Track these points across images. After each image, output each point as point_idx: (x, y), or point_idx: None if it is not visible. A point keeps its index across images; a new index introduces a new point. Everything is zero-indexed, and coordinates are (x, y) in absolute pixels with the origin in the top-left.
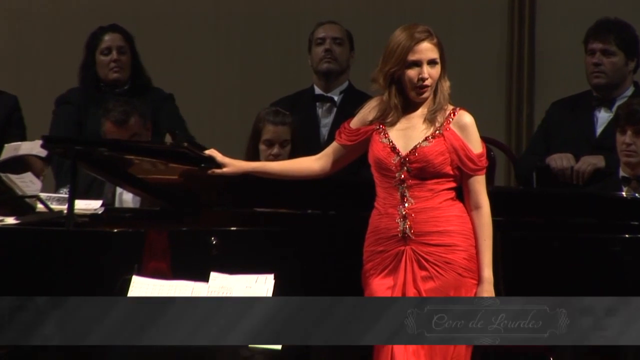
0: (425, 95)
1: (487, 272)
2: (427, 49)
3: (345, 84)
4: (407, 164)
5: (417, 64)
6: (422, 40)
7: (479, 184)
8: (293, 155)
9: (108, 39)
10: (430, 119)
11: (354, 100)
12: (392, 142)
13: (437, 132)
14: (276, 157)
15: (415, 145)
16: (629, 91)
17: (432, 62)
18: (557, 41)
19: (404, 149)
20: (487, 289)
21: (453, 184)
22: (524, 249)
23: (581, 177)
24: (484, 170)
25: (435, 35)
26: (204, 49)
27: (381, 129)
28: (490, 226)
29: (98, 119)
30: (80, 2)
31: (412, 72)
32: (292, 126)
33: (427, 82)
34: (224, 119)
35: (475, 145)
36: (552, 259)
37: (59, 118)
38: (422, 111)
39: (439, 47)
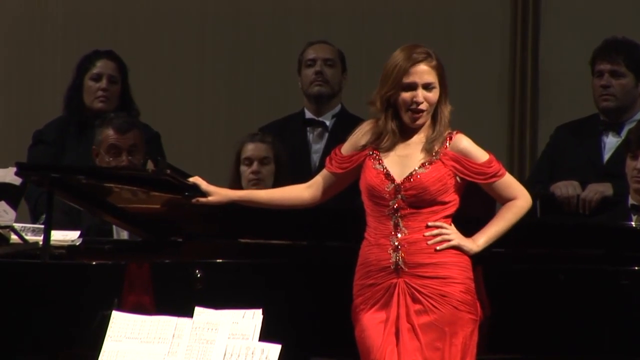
0: (419, 121)
1: (481, 239)
2: (422, 72)
3: (338, 108)
4: (402, 192)
5: (412, 86)
6: (419, 62)
7: (505, 186)
8: (281, 182)
9: (100, 65)
10: (428, 148)
11: (346, 125)
12: (386, 168)
13: (434, 157)
14: (256, 176)
15: (411, 172)
16: (639, 115)
17: (428, 86)
18: (562, 61)
19: (398, 176)
20: (466, 244)
21: (449, 212)
22: (528, 283)
23: (588, 206)
24: (504, 172)
25: (435, 57)
26: (189, 71)
27: (375, 154)
28: (516, 214)
29: (76, 155)
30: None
31: (406, 95)
32: (275, 147)
33: (422, 107)
34: (209, 145)
35: (480, 156)
36: (557, 293)
37: (32, 159)
38: (419, 137)
39: (438, 70)
